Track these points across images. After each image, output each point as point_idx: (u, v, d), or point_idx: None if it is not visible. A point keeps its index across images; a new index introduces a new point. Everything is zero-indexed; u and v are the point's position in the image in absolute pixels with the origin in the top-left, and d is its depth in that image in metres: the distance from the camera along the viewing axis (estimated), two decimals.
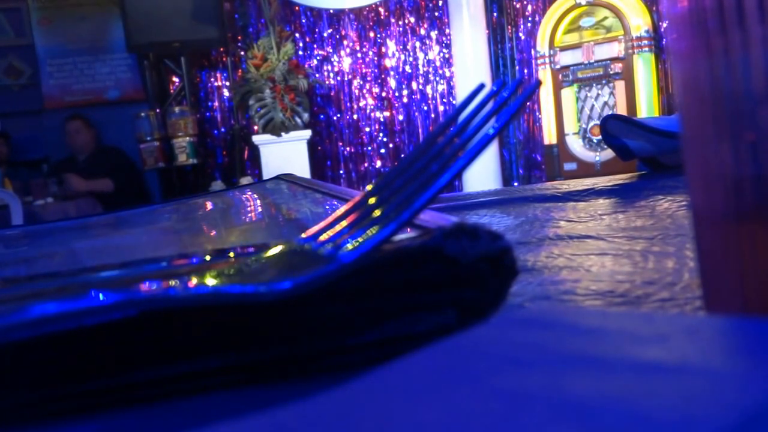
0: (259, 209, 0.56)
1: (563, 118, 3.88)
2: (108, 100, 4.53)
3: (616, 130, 0.75)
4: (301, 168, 3.83)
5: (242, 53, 4.39)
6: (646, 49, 3.70)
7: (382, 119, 4.56)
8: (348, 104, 4.57)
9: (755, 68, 0.17)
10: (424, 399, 0.12)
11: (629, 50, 3.70)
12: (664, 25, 3.34)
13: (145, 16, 4.05)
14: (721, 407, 0.10)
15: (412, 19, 4.48)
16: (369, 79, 4.56)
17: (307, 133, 4.05)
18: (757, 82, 0.17)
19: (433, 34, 4.46)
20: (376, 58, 4.55)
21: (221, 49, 4.48)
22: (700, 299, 0.21)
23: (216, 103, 4.64)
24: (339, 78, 4.57)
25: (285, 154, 3.96)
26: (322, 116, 4.56)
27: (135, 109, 4.31)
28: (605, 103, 3.78)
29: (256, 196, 0.61)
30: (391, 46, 4.52)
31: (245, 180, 4.18)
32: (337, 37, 4.55)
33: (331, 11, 4.51)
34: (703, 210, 0.19)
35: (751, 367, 0.11)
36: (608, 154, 3.50)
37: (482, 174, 3.76)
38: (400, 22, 4.49)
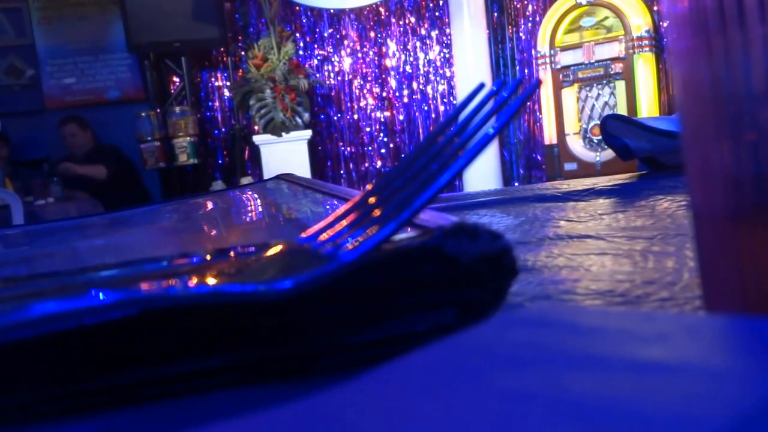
0: (260, 209, 0.56)
1: (563, 118, 3.88)
2: (108, 100, 4.53)
3: (616, 129, 0.75)
4: (302, 168, 3.83)
5: (243, 53, 4.39)
6: (647, 49, 3.70)
7: (382, 119, 4.56)
8: (348, 104, 4.57)
9: (755, 68, 0.17)
10: (424, 398, 0.12)
11: (630, 50, 3.70)
12: (665, 25, 3.34)
13: (146, 16, 4.05)
14: (721, 407, 0.10)
15: (413, 19, 4.48)
16: (369, 79, 4.56)
17: (308, 133, 4.05)
18: (757, 82, 0.17)
19: (434, 34, 4.46)
20: (376, 58, 4.55)
21: (222, 49, 4.49)
22: (700, 299, 0.21)
23: (216, 103, 4.64)
24: (339, 78, 4.57)
25: (285, 154, 3.96)
26: (322, 116, 4.56)
27: (135, 109, 4.32)
28: (606, 103, 3.78)
29: (256, 195, 0.61)
30: (392, 46, 4.52)
31: (246, 180, 4.18)
32: (338, 37, 4.55)
33: (332, 11, 4.51)
34: (703, 210, 0.19)
35: (751, 367, 0.11)
36: (608, 154, 3.50)
37: (482, 174, 3.76)
38: (401, 22, 4.49)
